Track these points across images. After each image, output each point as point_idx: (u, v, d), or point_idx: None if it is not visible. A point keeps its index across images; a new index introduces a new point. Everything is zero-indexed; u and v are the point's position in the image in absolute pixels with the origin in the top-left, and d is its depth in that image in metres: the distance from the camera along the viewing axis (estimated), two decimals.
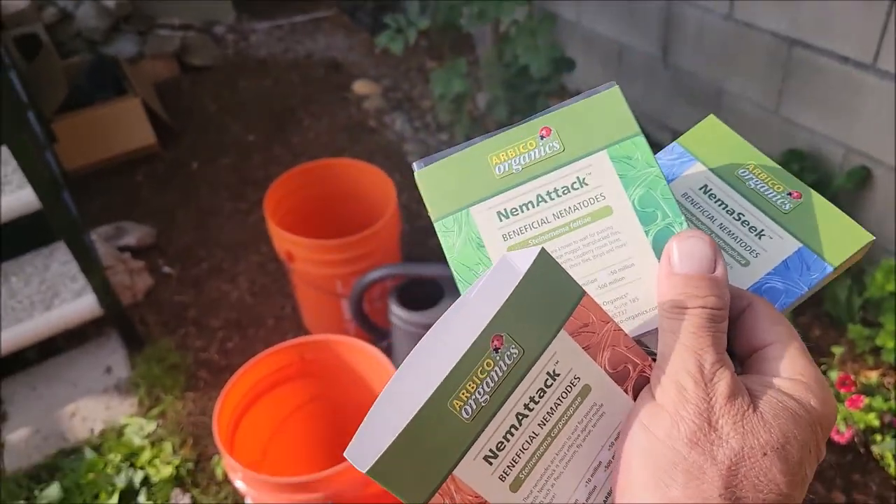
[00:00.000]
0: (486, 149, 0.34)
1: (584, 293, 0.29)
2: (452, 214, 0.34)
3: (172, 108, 2.54)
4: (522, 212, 0.34)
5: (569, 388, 0.30)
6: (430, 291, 1.45)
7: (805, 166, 1.67)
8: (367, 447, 0.27)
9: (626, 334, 0.30)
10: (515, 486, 0.29)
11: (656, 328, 0.31)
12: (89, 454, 1.54)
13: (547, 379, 0.29)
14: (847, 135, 1.60)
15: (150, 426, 1.59)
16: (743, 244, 0.34)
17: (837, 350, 1.43)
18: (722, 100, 1.85)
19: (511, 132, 0.34)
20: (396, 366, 1.22)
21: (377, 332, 1.55)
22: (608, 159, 0.34)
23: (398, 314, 1.42)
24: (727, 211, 0.35)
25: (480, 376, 0.28)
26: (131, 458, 1.53)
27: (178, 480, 1.49)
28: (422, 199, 0.35)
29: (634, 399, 0.30)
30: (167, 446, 1.54)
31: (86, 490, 1.48)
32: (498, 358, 0.28)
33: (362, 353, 1.24)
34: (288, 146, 2.37)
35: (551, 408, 0.29)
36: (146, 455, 1.53)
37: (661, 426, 0.27)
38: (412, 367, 0.29)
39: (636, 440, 0.28)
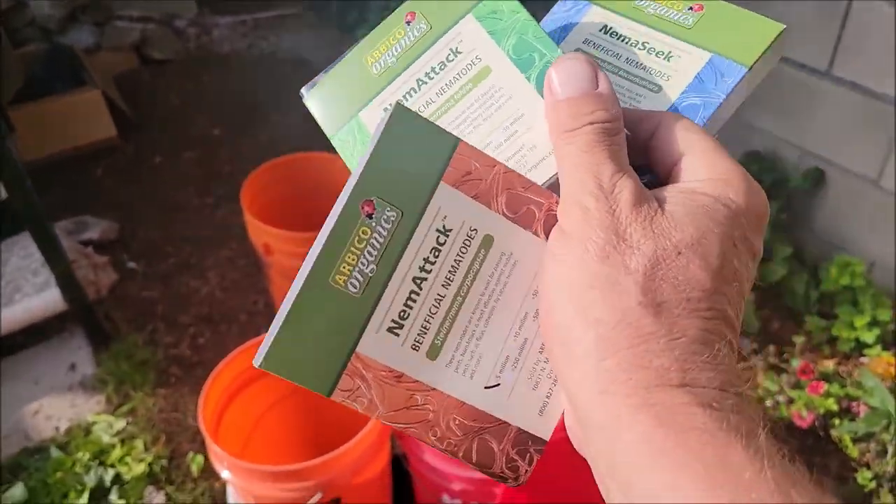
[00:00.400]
0: (361, 52, 0.34)
1: (458, 141, 0.28)
2: (345, 125, 0.34)
3: (132, 102, 2.49)
4: (408, 99, 0.33)
5: (467, 242, 0.28)
6: None
7: (763, 167, 1.75)
8: (263, 346, 0.26)
9: (520, 175, 0.29)
10: (433, 353, 0.28)
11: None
12: (55, 453, 1.50)
13: (439, 236, 0.28)
14: (802, 138, 1.68)
15: (120, 423, 1.56)
16: (652, 71, 0.34)
17: (798, 339, 1.51)
18: None
19: (379, 28, 0.34)
20: None
21: None
22: (475, 21, 0.33)
23: None
24: (630, 44, 0.34)
25: (359, 246, 0.27)
26: (101, 455, 1.50)
27: (151, 478, 1.47)
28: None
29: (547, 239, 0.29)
30: (138, 444, 1.51)
31: (53, 489, 1.44)
32: (374, 224, 0.27)
33: None
34: (256, 141, 2.35)
35: (452, 265, 0.28)
36: (116, 453, 1.50)
37: (571, 252, 0.26)
38: (306, 261, 0.28)
39: (550, 275, 0.27)
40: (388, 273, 0.27)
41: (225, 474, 1.09)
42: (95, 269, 1.86)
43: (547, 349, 0.29)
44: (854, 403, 1.38)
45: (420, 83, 0.33)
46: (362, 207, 0.27)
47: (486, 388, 0.29)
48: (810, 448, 1.42)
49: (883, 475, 1.29)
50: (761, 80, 0.35)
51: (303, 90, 0.35)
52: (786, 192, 1.70)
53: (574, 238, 0.26)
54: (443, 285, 0.28)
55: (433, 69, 0.33)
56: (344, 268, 0.26)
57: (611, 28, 0.35)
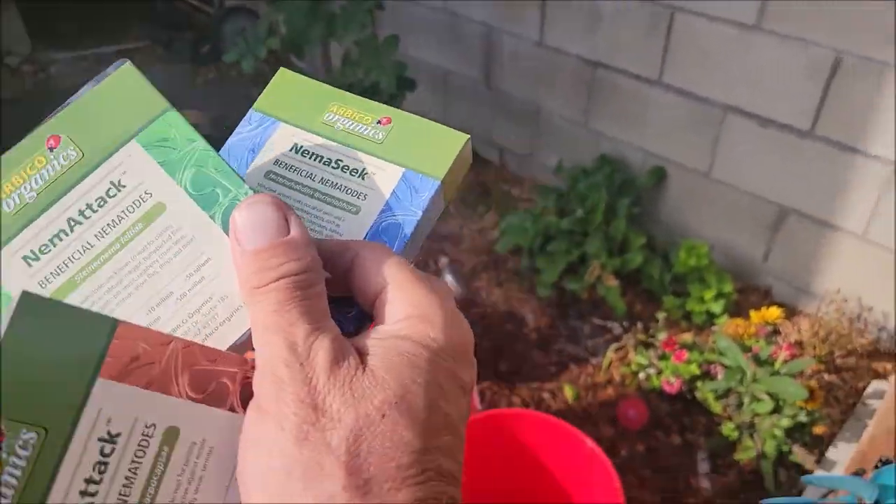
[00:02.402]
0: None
1: (115, 323, 0.24)
2: None
3: None
4: (55, 245, 0.28)
5: (144, 443, 0.24)
6: None
7: (614, 168, 1.94)
8: None
9: (203, 347, 0.26)
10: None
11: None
12: None
13: (103, 446, 0.24)
14: (643, 140, 1.90)
15: None
16: (349, 191, 0.32)
17: (660, 316, 1.68)
18: (540, 116, 2.09)
19: (10, 154, 0.28)
20: None
21: None
22: (140, 149, 0.29)
23: None
24: (324, 163, 0.32)
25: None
26: None
27: None
28: None
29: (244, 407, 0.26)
30: None
31: None
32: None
33: None
34: None
35: (127, 476, 0.24)
36: None
37: (266, 434, 0.24)
38: None
39: (246, 462, 0.24)
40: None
41: None
42: None
43: None
44: (712, 366, 1.56)
45: (72, 223, 0.28)
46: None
47: None
48: (680, 410, 1.59)
49: (742, 424, 1.47)
50: (455, 188, 0.34)
51: None
52: (635, 189, 1.90)
53: (270, 416, 0.24)
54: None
55: (89, 206, 0.28)
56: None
57: (302, 147, 0.33)
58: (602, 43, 1.84)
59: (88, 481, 0.23)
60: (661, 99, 1.79)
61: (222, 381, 0.26)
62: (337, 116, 0.33)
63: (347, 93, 0.34)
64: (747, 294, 1.84)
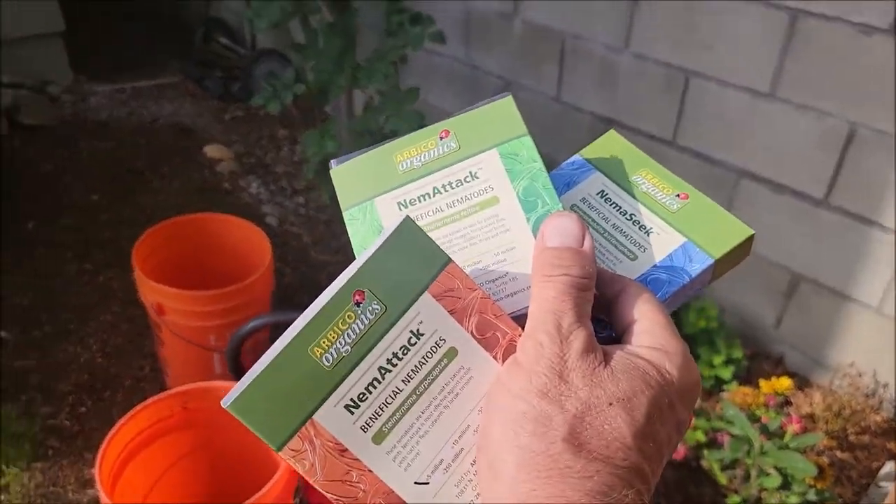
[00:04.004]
0: (393, 148, 0.38)
1: (449, 260, 0.31)
2: (359, 205, 0.37)
3: (1, 167, 2.38)
4: (420, 202, 0.36)
5: (434, 349, 0.31)
6: None
7: None
8: (236, 390, 0.29)
9: (494, 303, 0.32)
10: (379, 439, 0.30)
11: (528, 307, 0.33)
12: None
13: (411, 337, 0.31)
14: None
15: None
16: (632, 240, 0.37)
17: None
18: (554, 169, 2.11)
19: (415, 134, 0.38)
20: None
21: None
22: (498, 156, 0.37)
23: None
24: (620, 212, 0.38)
25: (341, 327, 0.30)
26: None
27: None
28: (333, 202, 0.37)
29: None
30: None
31: None
32: (360, 312, 0.30)
33: None
34: (138, 207, 2.31)
35: (416, 366, 0.31)
36: None
37: (516, 382, 0.29)
38: (294, 324, 0.31)
39: (495, 399, 0.30)
40: (360, 357, 0.30)
41: None
42: None
43: (477, 463, 0.31)
44: (719, 434, 1.54)
45: (435, 191, 0.37)
46: (353, 295, 0.30)
47: (415, 483, 0.31)
48: (686, 478, 1.55)
49: (749, 498, 1.43)
50: (723, 274, 0.39)
51: (332, 162, 0.38)
52: None
53: (523, 370, 0.29)
54: (403, 381, 0.31)
55: (395, 355, 0.34)
56: (324, 342, 0.29)
57: (606, 194, 0.39)
58: (618, 101, 1.86)
59: (394, 355, 0.30)
60: (675, 159, 1.80)
61: (496, 333, 0.32)
62: (644, 180, 0.39)
63: (660, 165, 0.40)
64: (758, 361, 1.81)
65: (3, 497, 1.45)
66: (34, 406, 1.65)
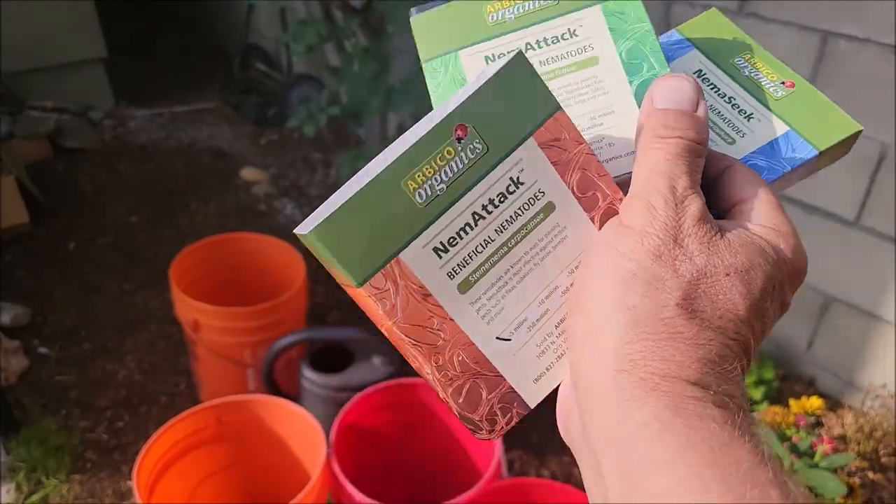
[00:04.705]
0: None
1: (559, 107, 0.29)
2: (441, 56, 0.34)
3: (46, 189, 2.47)
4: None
5: (531, 201, 0.29)
6: (339, 357, 1.52)
7: None
8: (316, 217, 0.27)
9: (598, 161, 0.30)
10: (464, 288, 0.29)
11: (628, 173, 0.31)
12: None
13: (510, 185, 0.29)
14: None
15: None
16: (731, 124, 0.35)
17: None
18: None
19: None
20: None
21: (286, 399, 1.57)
22: (601, 13, 0.34)
23: (311, 378, 1.47)
24: (718, 94, 0.36)
25: (439, 163, 0.27)
26: None
27: None
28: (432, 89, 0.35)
29: (600, 229, 0.31)
30: None
31: None
32: (460, 148, 0.28)
33: (285, 412, 1.28)
34: (175, 227, 2.37)
35: (511, 216, 0.29)
36: None
37: (625, 243, 0.28)
38: (382, 157, 0.28)
39: (598, 258, 0.28)
40: (455, 198, 0.28)
41: None
42: (6, 355, 1.79)
43: (570, 325, 0.29)
44: None
45: (528, 47, 0.34)
46: (455, 129, 0.27)
47: (497, 338, 0.30)
48: None
49: None
50: (821, 168, 0.37)
51: (412, 10, 0.35)
52: None
53: (633, 231, 0.28)
54: (496, 230, 0.29)
55: (545, 39, 0.34)
56: (419, 176, 0.27)
57: (704, 74, 0.36)
58: None
59: (490, 202, 0.29)
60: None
61: (597, 193, 0.30)
62: (746, 64, 0.37)
63: (764, 49, 0.37)
64: (790, 383, 1.79)
65: None
66: (73, 420, 1.69)
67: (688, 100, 0.30)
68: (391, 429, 1.39)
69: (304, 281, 1.63)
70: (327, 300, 2.09)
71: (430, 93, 0.34)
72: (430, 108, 0.33)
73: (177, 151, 2.84)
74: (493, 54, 0.34)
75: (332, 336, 1.54)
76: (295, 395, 1.53)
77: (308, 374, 1.47)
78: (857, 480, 1.38)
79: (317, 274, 2.18)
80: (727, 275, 0.27)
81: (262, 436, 1.31)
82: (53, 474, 1.55)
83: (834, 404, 1.71)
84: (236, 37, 3.22)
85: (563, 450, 1.64)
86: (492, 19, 0.34)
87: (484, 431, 0.31)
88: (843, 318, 1.67)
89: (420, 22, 0.35)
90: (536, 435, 1.67)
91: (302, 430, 1.26)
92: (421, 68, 0.35)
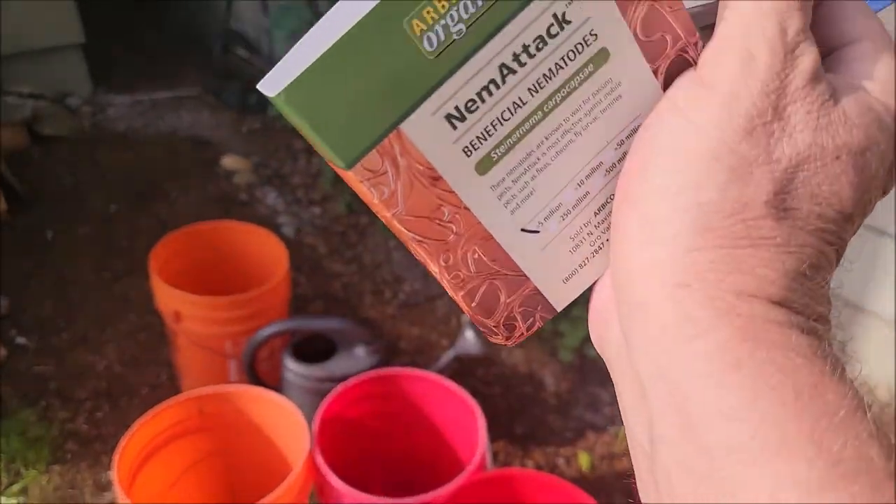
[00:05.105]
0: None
1: None
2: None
3: (22, 177, 2.42)
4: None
5: (580, 47, 0.22)
6: (322, 347, 1.51)
7: None
8: (288, 69, 0.19)
9: None
10: (484, 167, 0.22)
11: (712, 2, 0.23)
12: None
13: (552, 24, 0.21)
14: None
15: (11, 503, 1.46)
16: None
17: None
18: None
19: None
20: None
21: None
22: None
23: (294, 369, 1.45)
24: None
25: None
26: None
27: None
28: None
29: (665, 88, 0.23)
30: None
31: None
32: None
33: (267, 403, 1.27)
34: (155, 217, 2.34)
35: (551, 69, 0.22)
36: None
37: (705, 109, 0.21)
38: None
39: (663, 128, 0.22)
40: (477, 45, 0.20)
41: None
42: None
43: (617, 216, 0.23)
44: None
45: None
46: None
47: (522, 230, 0.24)
48: None
49: None
50: None
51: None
52: None
53: (718, 94, 0.21)
54: (529, 90, 0.22)
55: (526, 49, 0.24)
56: (428, 13, 0.20)
57: None
58: None
59: (524, 49, 0.21)
60: None
61: (665, 35, 0.23)
62: None
63: None
64: None
65: (22, 499, 1.47)
66: (52, 411, 1.67)
67: None
68: (375, 420, 1.38)
69: (287, 271, 1.61)
70: (310, 290, 2.08)
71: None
72: None
73: (156, 139, 2.80)
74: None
75: (315, 326, 1.53)
76: (277, 386, 1.52)
77: (291, 364, 1.46)
78: None
79: (299, 262, 2.16)
80: (837, 157, 0.21)
81: (244, 427, 1.30)
82: (33, 465, 1.53)
83: None
84: (217, 22, 3.17)
85: (548, 441, 1.65)
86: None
87: (500, 337, 0.26)
88: None
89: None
90: (520, 426, 1.67)
91: (285, 421, 1.25)
92: None
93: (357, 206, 2.12)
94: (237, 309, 1.51)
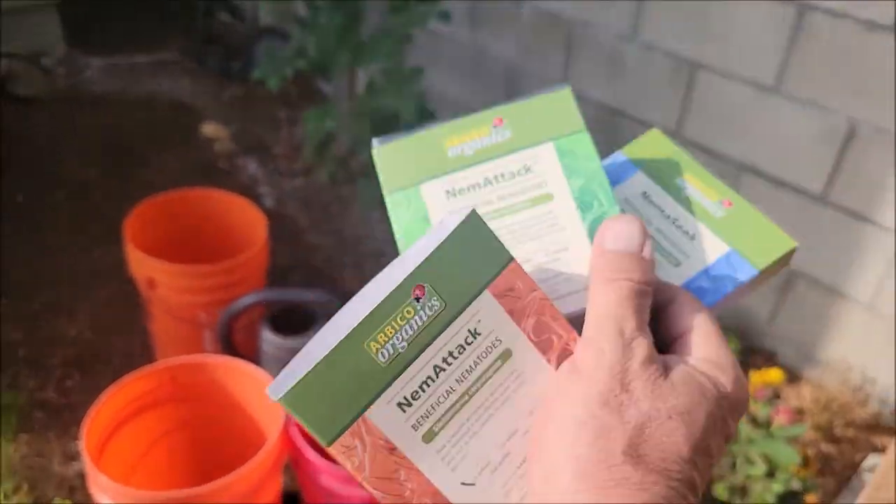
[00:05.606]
0: (443, 132, 0.36)
1: (511, 258, 0.30)
2: (403, 190, 0.35)
3: None
4: (469, 192, 0.35)
5: (489, 349, 0.30)
6: (300, 319, 1.48)
7: None
8: (285, 380, 0.28)
9: (552, 305, 0.31)
10: (429, 438, 0.30)
11: (584, 309, 0.31)
12: None
13: (468, 336, 0.30)
14: None
15: None
16: (676, 246, 0.36)
17: None
18: None
19: (467, 119, 0.36)
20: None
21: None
22: (554, 150, 0.36)
23: (271, 340, 1.43)
24: (664, 216, 0.37)
25: (399, 322, 0.29)
26: None
27: None
28: (378, 179, 0.36)
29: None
30: None
31: None
32: (419, 307, 0.29)
33: (243, 374, 1.24)
34: (133, 183, 2.28)
35: (470, 366, 0.30)
36: None
37: (576, 389, 0.29)
38: (343, 314, 0.30)
39: (552, 406, 0.30)
40: (416, 354, 0.29)
41: None
42: None
43: (529, 468, 0.31)
44: None
45: (486, 181, 0.35)
46: (414, 290, 0.29)
47: (462, 483, 0.30)
48: None
49: (734, 486, 1.43)
50: (761, 285, 0.38)
51: (375, 141, 0.36)
52: None
53: (583, 376, 0.29)
54: (456, 380, 0.30)
55: (502, 175, 0.35)
56: (380, 337, 0.28)
57: (649, 196, 0.38)
58: (624, 91, 1.85)
59: (450, 354, 0.30)
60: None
61: (552, 336, 0.31)
62: (688, 184, 0.38)
63: (703, 168, 0.39)
64: (751, 355, 1.81)
65: None
66: (21, 379, 1.63)
67: (635, 242, 0.31)
68: None
69: (266, 240, 1.58)
70: (290, 260, 2.05)
71: (393, 224, 0.35)
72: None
73: (135, 104, 2.73)
74: (453, 188, 0.35)
75: (293, 297, 1.50)
76: (254, 358, 1.49)
77: (268, 335, 1.43)
78: (811, 451, 1.40)
79: (280, 233, 2.13)
80: (670, 417, 0.28)
81: (218, 397, 1.27)
82: (0, 434, 1.50)
83: (793, 378, 1.74)
84: None
85: None
86: (452, 153, 0.36)
87: None
88: (806, 292, 1.69)
89: (383, 153, 0.36)
90: None
91: (260, 392, 1.23)
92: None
93: (341, 177, 2.09)
94: (212, 278, 1.47)
